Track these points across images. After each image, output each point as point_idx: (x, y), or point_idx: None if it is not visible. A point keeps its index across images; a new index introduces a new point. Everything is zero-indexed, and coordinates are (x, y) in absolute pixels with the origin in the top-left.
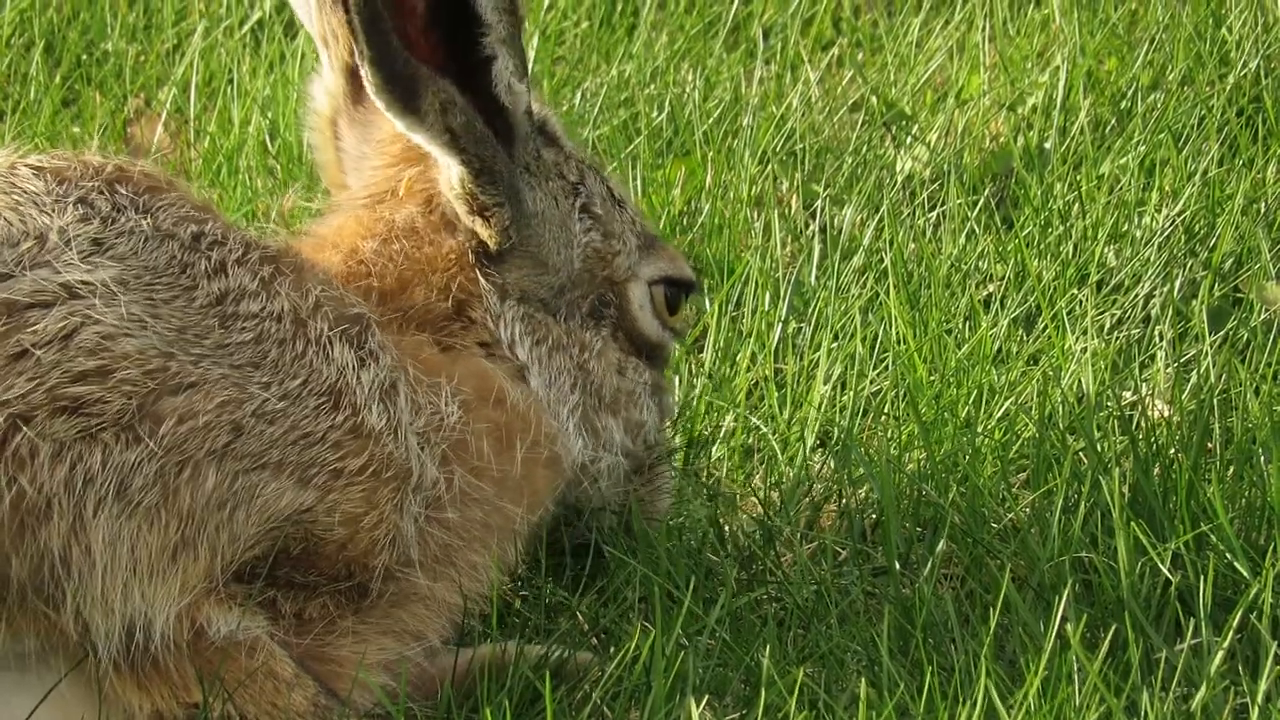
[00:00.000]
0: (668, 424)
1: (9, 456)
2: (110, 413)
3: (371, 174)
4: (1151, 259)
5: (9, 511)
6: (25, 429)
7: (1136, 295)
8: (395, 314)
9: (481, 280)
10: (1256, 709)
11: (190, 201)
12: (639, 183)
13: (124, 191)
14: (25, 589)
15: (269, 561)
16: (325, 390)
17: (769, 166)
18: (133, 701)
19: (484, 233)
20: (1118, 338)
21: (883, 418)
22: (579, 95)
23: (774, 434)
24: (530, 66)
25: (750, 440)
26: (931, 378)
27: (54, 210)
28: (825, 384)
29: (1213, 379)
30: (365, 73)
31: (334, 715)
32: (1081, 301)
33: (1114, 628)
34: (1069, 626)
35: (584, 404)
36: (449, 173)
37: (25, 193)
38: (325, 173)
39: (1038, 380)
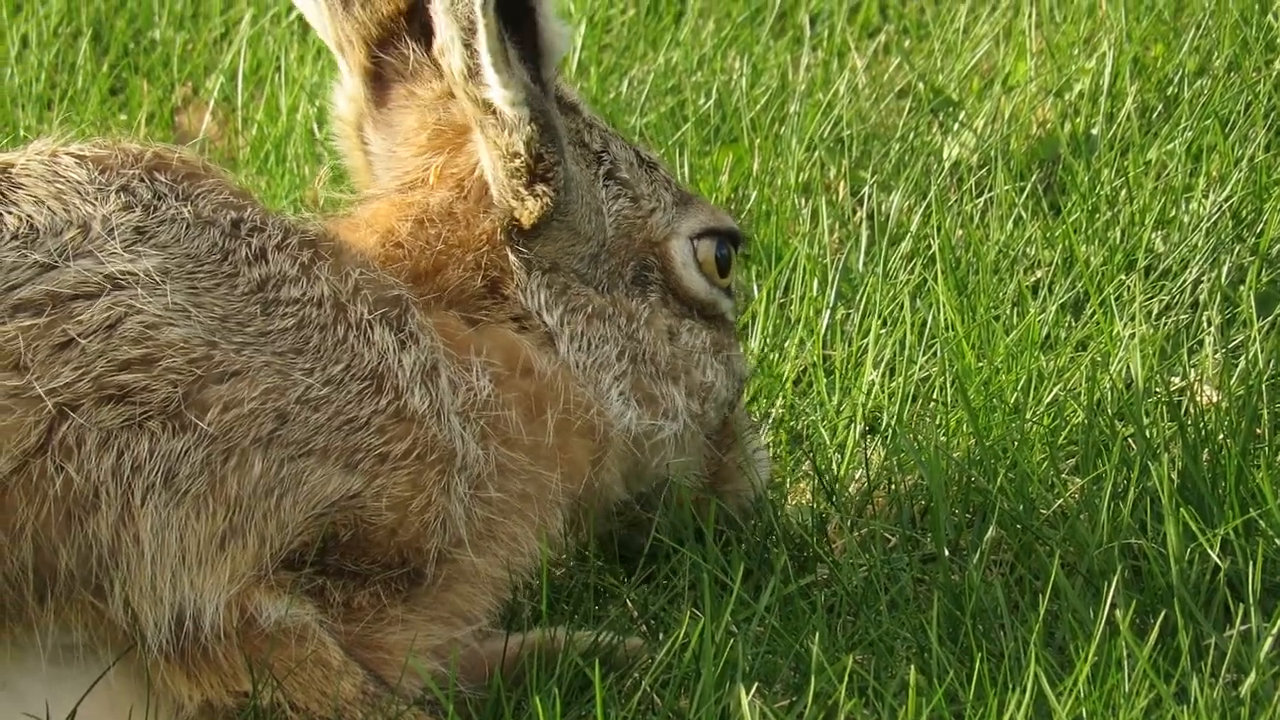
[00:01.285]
0: (743, 387)
1: (56, 445)
2: (156, 401)
3: (401, 164)
4: (1199, 244)
5: (56, 501)
6: (72, 417)
7: (1184, 281)
8: (431, 294)
9: (511, 256)
10: None
11: (228, 187)
12: (687, 170)
13: (164, 179)
14: (73, 579)
15: (318, 549)
16: (367, 374)
17: (816, 153)
18: (182, 691)
19: (533, 205)
20: (1166, 323)
21: (931, 404)
22: (626, 83)
23: (822, 420)
24: (577, 54)
25: (799, 427)
26: (980, 364)
27: (97, 199)
28: (873, 370)
29: (1261, 364)
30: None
31: (382, 703)
32: (1129, 287)
33: (1163, 614)
34: (1118, 613)
35: (634, 372)
36: (517, 134)
37: (68, 181)
38: (356, 177)
39: (1086, 366)
